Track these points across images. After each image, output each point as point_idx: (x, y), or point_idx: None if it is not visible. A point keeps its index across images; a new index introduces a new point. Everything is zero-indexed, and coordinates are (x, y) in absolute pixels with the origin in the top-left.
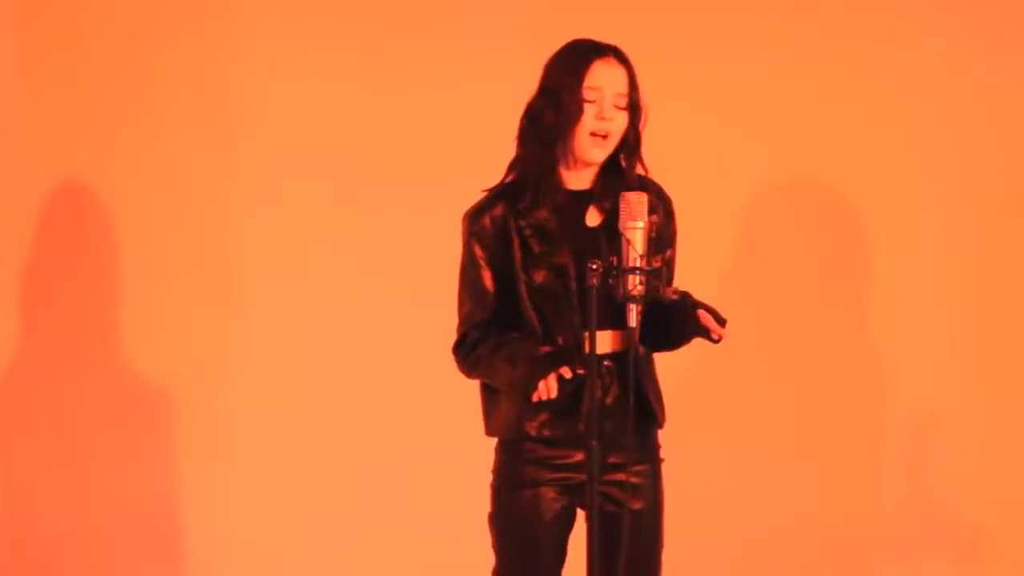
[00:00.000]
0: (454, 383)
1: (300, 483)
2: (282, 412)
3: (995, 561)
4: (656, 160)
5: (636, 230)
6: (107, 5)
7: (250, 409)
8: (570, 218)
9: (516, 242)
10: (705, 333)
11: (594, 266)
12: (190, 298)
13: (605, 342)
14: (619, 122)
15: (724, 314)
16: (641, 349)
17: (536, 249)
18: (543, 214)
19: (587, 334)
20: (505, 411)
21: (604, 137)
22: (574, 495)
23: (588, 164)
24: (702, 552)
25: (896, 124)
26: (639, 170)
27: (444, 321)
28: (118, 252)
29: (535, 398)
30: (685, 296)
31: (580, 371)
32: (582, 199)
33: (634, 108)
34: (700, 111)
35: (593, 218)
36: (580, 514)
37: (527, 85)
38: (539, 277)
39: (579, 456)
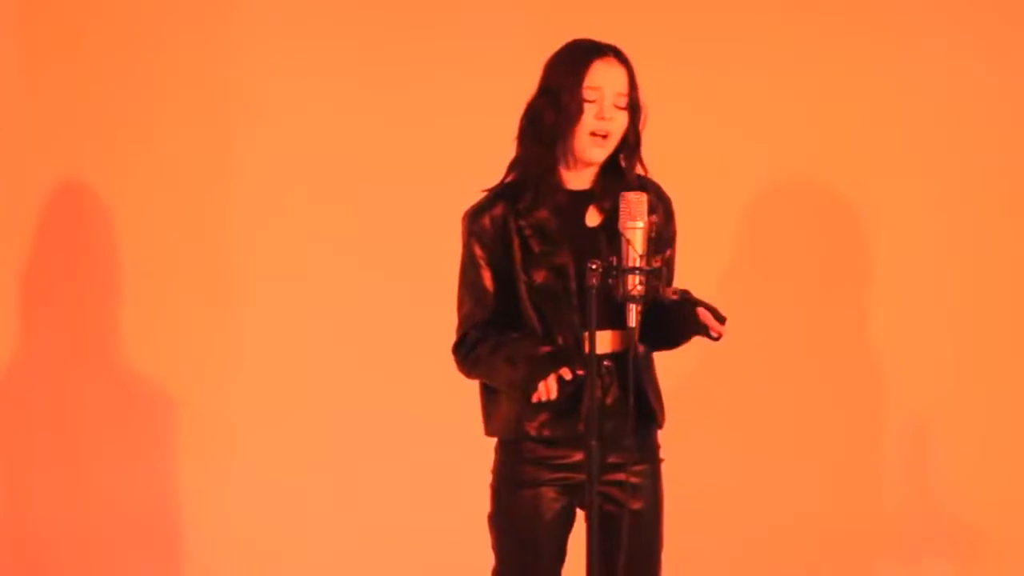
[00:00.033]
0: (454, 383)
1: (300, 483)
2: (282, 412)
3: (995, 561)
4: (656, 160)
5: (636, 230)
6: (107, 5)
7: (250, 409)
8: (570, 218)
9: (516, 242)
10: (705, 331)
11: (594, 266)
12: (190, 298)
13: (605, 342)
14: (619, 122)
15: (724, 313)
16: (641, 348)
17: (536, 249)
18: (543, 214)
19: (587, 334)
20: (505, 411)
21: (604, 137)
22: (574, 495)
23: (588, 164)
24: (702, 552)
25: (896, 124)
26: (639, 170)
27: (444, 321)
28: (118, 252)
29: (535, 399)
30: (685, 295)
31: (580, 372)
32: (582, 199)
33: (634, 108)
34: (700, 111)
35: (593, 218)
36: (580, 514)
37: (527, 85)
38: (539, 277)
39: (579, 456)
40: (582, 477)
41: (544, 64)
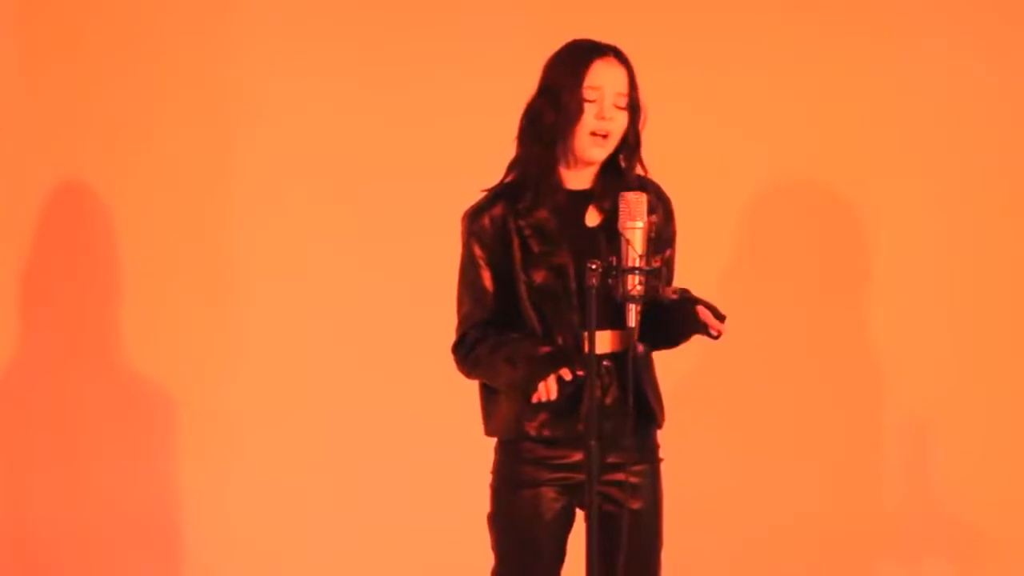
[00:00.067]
0: (454, 383)
1: (300, 483)
2: (282, 412)
3: (995, 561)
4: (656, 160)
5: (635, 230)
6: (107, 5)
7: (250, 409)
8: (570, 218)
9: (516, 242)
10: (704, 329)
11: (593, 266)
12: (190, 298)
13: (604, 342)
14: (619, 122)
15: (723, 312)
16: (640, 348)
17: (536, 249)
18: (543, 214)
19: (586, 334)
20: (504, 411)
21: (604, 137)
22: (573, 495)
23: (588, 163)
24: (702, 552)
25: (896, 124)
26: (639, 170)
27: (444, 321)
28: (118, 252)
29: (535, 399)
30: (684, 293)
31: (580, 372)
32: (582, 199)
33: (634, 108)
34: (700, 111)
35: (593, 218)
36: (579, 514)
37: (527, 85)
38: (538, 277)
39: (578, 456)
40: (582, 477)
41: (544, 64)
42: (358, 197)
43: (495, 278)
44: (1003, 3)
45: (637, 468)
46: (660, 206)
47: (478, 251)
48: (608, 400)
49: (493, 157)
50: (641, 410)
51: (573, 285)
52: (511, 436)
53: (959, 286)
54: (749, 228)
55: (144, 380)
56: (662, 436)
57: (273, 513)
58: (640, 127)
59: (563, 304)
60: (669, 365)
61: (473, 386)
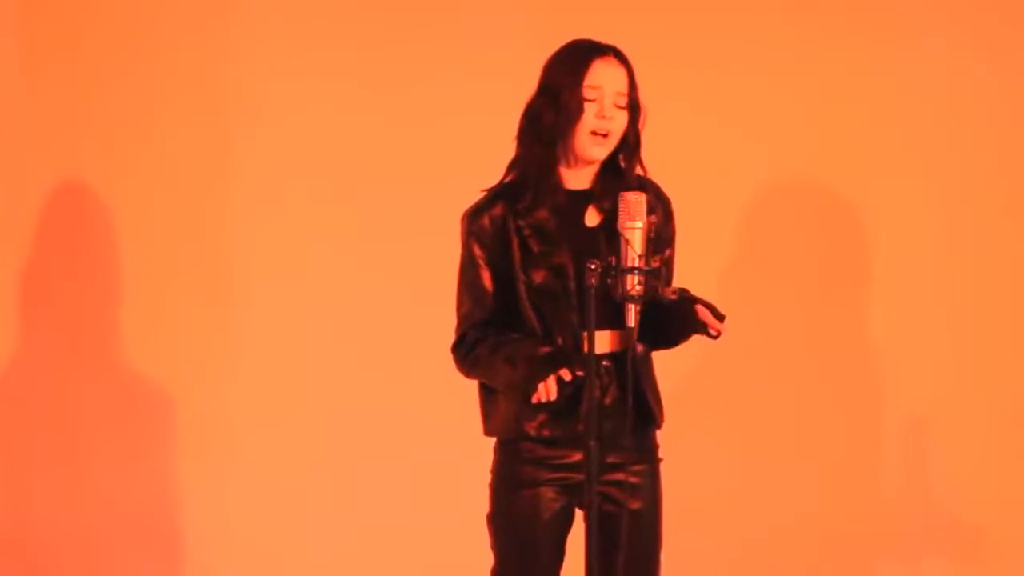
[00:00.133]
0: (453, 383)
1: (300, 483)
2: (282, 412)
3: (995, 561)
4: (656, 160)
5: (635, 230)
6: (107, 5)
7: (250, 409)
8: (569, 218)
9: (515, 242)
10: (704, 329)
11: (593, 266)
12: (190, 298)
13: (604, 342)
14: (619, 121)
15: (723, 311)
16: (640, 348)
17: (535, 249)
18: (542, 214)
19: (585, 334)
20: (504, 411)
21: (605, 136)
22: (573, 495)
23: (589, 163)
24: (701, 552)
25: (896, 124)
26: (638, 170)
27: (443, 321)
28: (118, 252)
29: (534, 400)
30: (683, 293)
31: (579, 373)
32: (581, 199)
33: (634, 108)
34: (700, 111)
35: (592, 218)
36: (579, 514)
37: (527, 85)
38: (538, 277)
39: (578, 456)
40: (581, 477)
41: (544, 64)
42: (358, 197)
43: (495, 278)
44: (1003, 3)
45: (636, 468)
46: (659, 206)
47: (478, 251)
48: (607, 400)
49: (493, 157)
50: (640, 410)
51: (572, 285)
52: (510, 436)
53: (959, 286)
54: (749, 228)
55: (144, 380)
56: (662, 436)
57: (273, 513)
58: (640, 127)
59: (562, 304)
60: (669, 365)
61: (472, 386)
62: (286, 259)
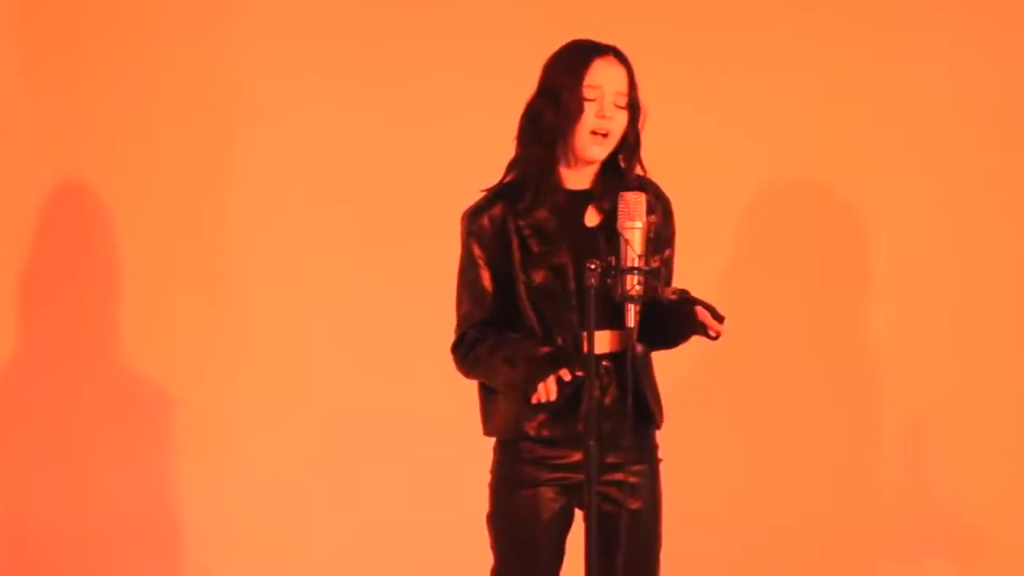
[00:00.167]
0: (453, 383)
1: (300, 483)
2: (282, 412)
3: (995, 561)
4: (656, 160)
5: (634, 230)
6: (107, 5)
7: (250, 409)
8: (569, 218)
9: (515, 242)
10: (703, 330)
11: (592, 266)
12: (190, 298)
13: (603, 342)
14: (619, 120)
15: (723, 313)
16: (639, 348)
17: (535, 249)
18: (542, 214)
19: (585, 334)
20: (503, 411)
21: (605, 135)
22: (572, 495)
23: (589, 162)
24: (701, 552)
25: (896, 124)
26: (638, 170)
27: (443, 321)
28: (118, 252)
29: (534, 400)
30: (683, 294)
31: (579, 373)
32: (581, 199)
33: (633, 108)
34: (700, 111)
35: (592, 218)
36: (578, 514)
37: (527, 85)
38: (538, 277)
39: (577, 456)
40: (581, 477)
41: (543, 64)
42: (358, 197)
43: (494, 278)
44: (1003, 3)
45: (636, 468)
46: (659, 206)
47: (477, 251)
48: (607, 400)
49: (493, 157)
50: (640, 410)
51: (572, 285)
52: (510, 436)
53: (959, 286)
54: (749, 228)
55: (144, 380)
56: (661, 436)
57: (273, 513)
58: (640, 127)
59: (562, 304)
60: (668, 365)
61: (472, 386)
62: (286, 259)
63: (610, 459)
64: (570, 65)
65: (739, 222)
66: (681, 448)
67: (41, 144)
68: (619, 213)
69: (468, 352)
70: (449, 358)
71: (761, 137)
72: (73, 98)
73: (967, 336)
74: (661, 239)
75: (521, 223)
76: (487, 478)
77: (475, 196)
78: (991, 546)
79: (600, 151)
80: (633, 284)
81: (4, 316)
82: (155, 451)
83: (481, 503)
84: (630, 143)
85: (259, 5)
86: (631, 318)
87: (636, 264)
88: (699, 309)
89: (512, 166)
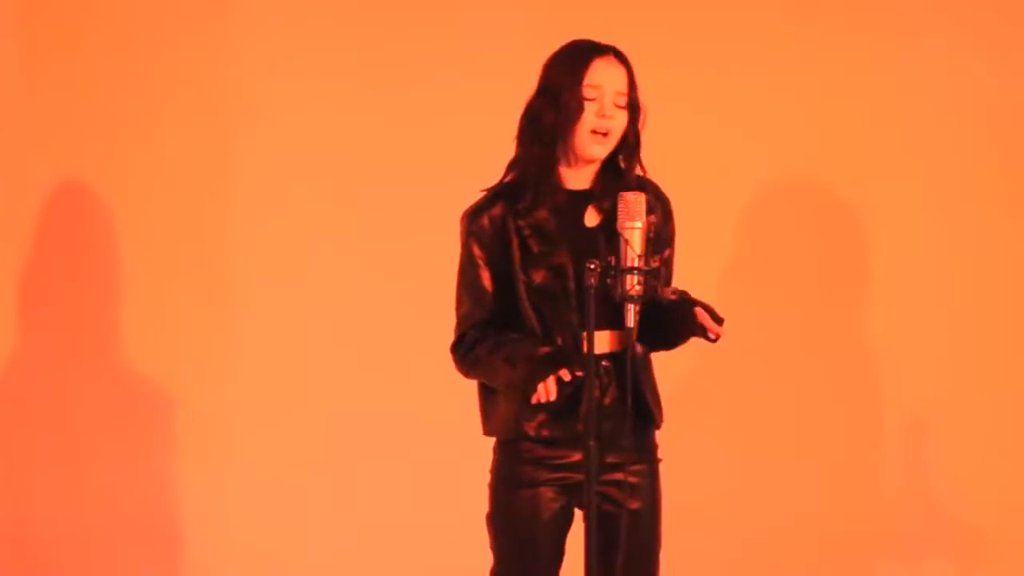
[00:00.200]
0: (453, 383)
1: (300, 483)
2: (282, 412)
3: (995, 561)
4: (656, 160)
5: (634, 230)
6: (107, 5)
7: (250, 409)
8: (569, 218)
9: (515, 242)
10: (702, 332)
11: (592, 266)
12: (190, 298)
13: (603, 342)
14: (619, 120)
15: (722, 313)
16: (639, 349)
17: (535, 249)
18: (542, 214)
19: (585, 334)
20: (503, 411)
21: (605, 135)
22: (572, 495)
23: (589, 162)
24: (701, 552)
25: (896, 124)
26: (638, 170)
27: (443, 321)
28: (118, 252)
29: (534, 400)
30: (683, 295)
31: (579, 373)
32: (581, 199)
33: (633, 107)
34: (700, 111)
35: (592, 218)
36: (578, 514)
37: (527, 85)
38: (538, 277)
39: (577, 456)
40: (580, 477)
41: (543, 64)
42: (358, 197)
43: (494, 278)
44: (1003, 3)
45: (636, 468)
46: (659, 206)
47: (477, 251)
48: (607, 400)
49: (493, 157)
50: (640, 410)
51: (572, 285)
52: (510, 436)
53: (959, 286)
54: (749, 228)
55: (144, 380)
56: (661, 436)
57: (273, 513)
58: (640, 127)
59: (562, 304)
60: (668, 366)
61: (472, 386)
62: (286, 259)
63: (610, 459)
64: (570, 65)
65: (739, 222)
66: (681, 448)
67: (41, 144)
68: (619, 213)
69: (468, 352)
70: (449, 358)
71: (761, 137)
72: (73, 98)
73: (967, 336)
74: (661, 239)
75: (521, 223)
76: (487, 478)
77: (475, 196)
78: (991, 546)
79: (600, 150)
80: (633, 284)
81: (4, 316)
82: (155, 451)
83: (481, 503)
84: (630, 143)
85: (259, 5)
86: (631, 318)
87: (636, 264)
88: (698, 311)
89: (512, 166)
